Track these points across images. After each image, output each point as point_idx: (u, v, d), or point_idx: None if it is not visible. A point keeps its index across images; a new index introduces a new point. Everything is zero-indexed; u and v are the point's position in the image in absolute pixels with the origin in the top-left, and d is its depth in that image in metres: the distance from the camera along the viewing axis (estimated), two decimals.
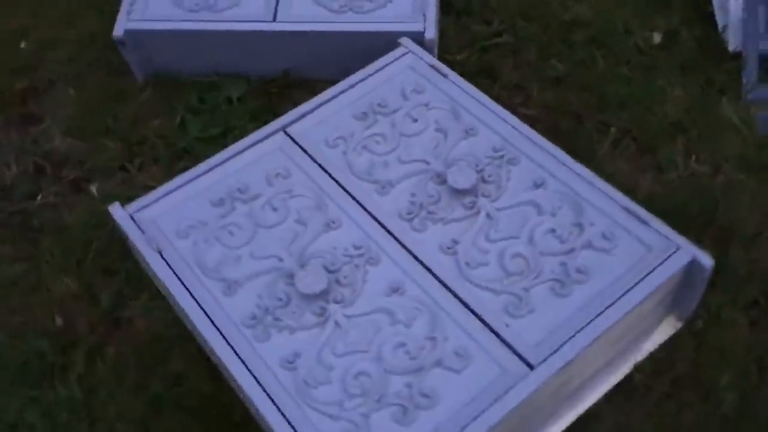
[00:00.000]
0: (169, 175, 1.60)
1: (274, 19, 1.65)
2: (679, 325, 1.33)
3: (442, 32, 1.79)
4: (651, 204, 1.43)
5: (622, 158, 1.56)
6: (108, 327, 1.37)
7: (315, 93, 1.73)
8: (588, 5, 1.81)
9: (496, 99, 1.66)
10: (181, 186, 1.36)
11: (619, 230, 1.24)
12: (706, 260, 1.19)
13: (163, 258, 1.26)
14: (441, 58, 1.75)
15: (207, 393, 1.26)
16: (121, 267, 1.45)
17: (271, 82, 1.75)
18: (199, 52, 1.72)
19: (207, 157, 1.62)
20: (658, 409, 1.23)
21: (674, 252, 1.19)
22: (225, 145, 1.63)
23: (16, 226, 1.56)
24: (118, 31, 1.67)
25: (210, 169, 1.38)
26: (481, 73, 1.72)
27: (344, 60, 1.70)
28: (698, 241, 1.37)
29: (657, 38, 1.74)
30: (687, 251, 1.19)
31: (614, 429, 1.23)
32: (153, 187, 1.58)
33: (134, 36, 1.68)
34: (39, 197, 1.61)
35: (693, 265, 1.19)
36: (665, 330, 1.33)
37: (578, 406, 1.27)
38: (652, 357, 1.28)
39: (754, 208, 1.45)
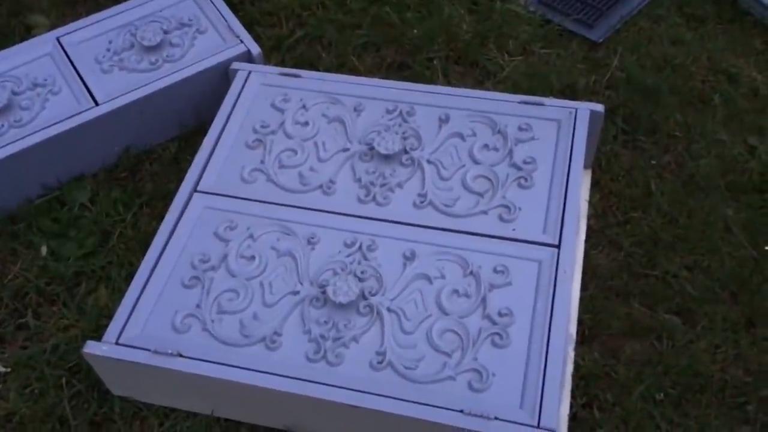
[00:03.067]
0: (79, 306, 1.43)
1: (96, 104, 1.53)
2: (590, 173, 1.59)
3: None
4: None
5: (459, 80, 1.77)
6: None
7: (168, 157, 1.66)
8: None
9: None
10: (142, 291, 1.24)
11: (528, 120, 1.44)
12: (599, 107, 1.44)
13: (188, 357, 1.16)
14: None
15: None
16: (109, 413, 1.28)
17: (115, 169, 1.62)
18: (24, 174, 1.52)
19: (106, 270, 1.48)
20: None
21: (576, 114, 1.43)
22: (114, 249, 1.51)
23: None
24: None
25: (157, 261, 1.28)
26: (302, 67, 1.78)
27: (181, 113, 1.64)
28: None
29: None
30: (584, 109, 1.43)
31: None
32: (73, 325, 1.41)
33: None
34: None
35: (593, 116, 1.44)
36: (585, 182, 1.58)
37: None
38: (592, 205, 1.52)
39: (572, 68, 1.76)
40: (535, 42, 1.83)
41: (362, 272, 1.24)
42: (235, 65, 1.59)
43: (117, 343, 1.18)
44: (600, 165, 1.58)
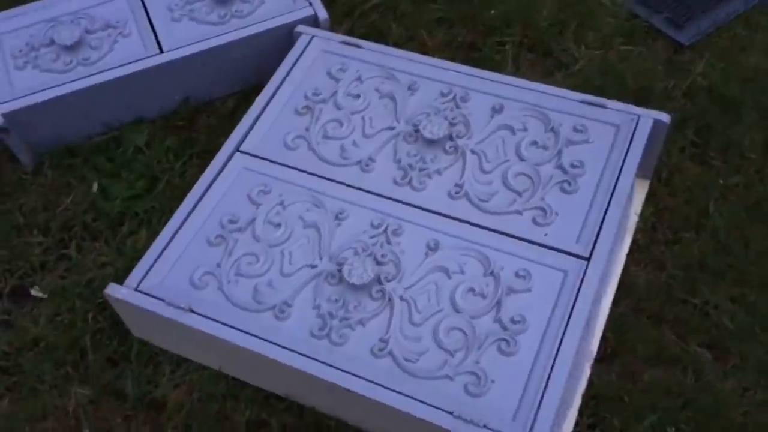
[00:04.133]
0: (116, 245, 1.49)
1: (161, 51, 1.57)
2: (646, 184, 1.50)
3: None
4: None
5: (527, 68, 1.70)
6: (146, 415, 1.27)
7: (225, 111, 1.69)
8: None
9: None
10: (169, 242, 1.27)
11: (586, 121, 1.37)
12: (665, 116, 1.35)
13: (198, 313, 1.18)
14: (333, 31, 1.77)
15: (295, 425, 1.22)
16: (126, 352, 1.33)
17: (173, 116, 1.66)
18: (86, 111, 1.58)
19: (149, 214, 1.53)
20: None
21: (638, 121, 1.35)
22: (159, 195, 1.55)
23: None
24: None
25: (188, 215, 1.31)
26: (371, 37, 1.75)
27: (242, 70, 1.66)
28: None
29: None
30: (647, 117, 1.35)
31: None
32: (105, 264, 1.47)
33: (14, 117, 1.51)
34: None
35: (656, 126, 1.35)
36: (640, 193, 1.49)
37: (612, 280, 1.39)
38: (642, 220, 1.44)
39: (652, 69, 1.66)
40: (617, 36, 1.73)
41: (382, 256, 1.23)
42: (300, 28, 1.58)
43: (136, 289, 1.22)
44: (660, 177, 1.49)
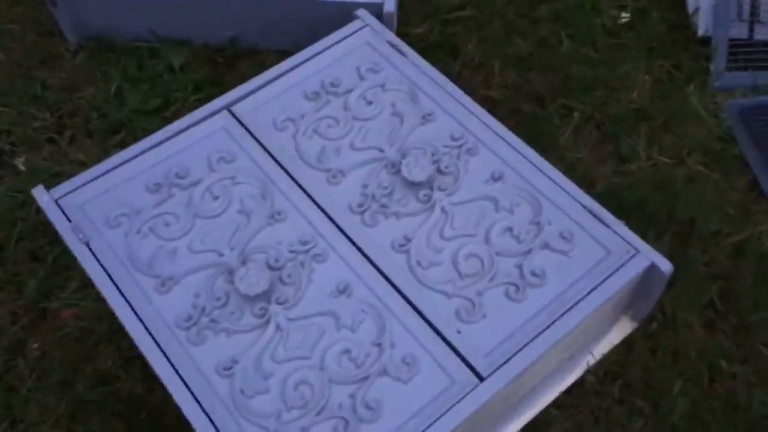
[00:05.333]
0: (103, 150, 1.50)
1: None
2: (634, 326, 1.30)
3: (401, 2, 1.68)
4: (611, 196, 1.40)
5: (584, 145, 1.50)
6: (32, 319, 1.27)
7: (264, 64, 1.63)
8: None
9: (457, 77, 1.59)
10: (113, 168, 1.25)
11: (578, 230, 1.18)
12: (665, 265, 1.14)
13: (91, 250, 1.16)
14: (399, 31, 1.65)
15: (137, 394, 1.18)
16: (49, 252, 1.34)
17: (217, 51, 1.63)
18: (138, 13, 1.58)
19: (145, 131, 1.52)
20: (608, 415, 1.20)
21: (633, 256, 1.15)
22: (166, 119, 1.54)
23: None
24: None
25: (146, 150, 1.27)
26: (442, 49, 1.63)
27: (296, 30, 1.59)
28: (657, 237, 1.34)
29: (625, 17, 1.67)
30: (646, 255, 1.14)
31: None
32: (84, 163, 1.48)
33: None
34: None
35: (652, 270, 1.15)
36: (620, 332, 1.29)
37: (527, 411, 1.23)
38: (604, 360, 1.24)
39: (715, 204, 1.41)
40: (697, 152, 1.48)
41: (288, 276, 1.13)
42: (359, 12, 1.47)
43: (56, 201, 1.21)
44: (650, 326, 1.28)
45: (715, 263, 1.32)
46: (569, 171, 1.46)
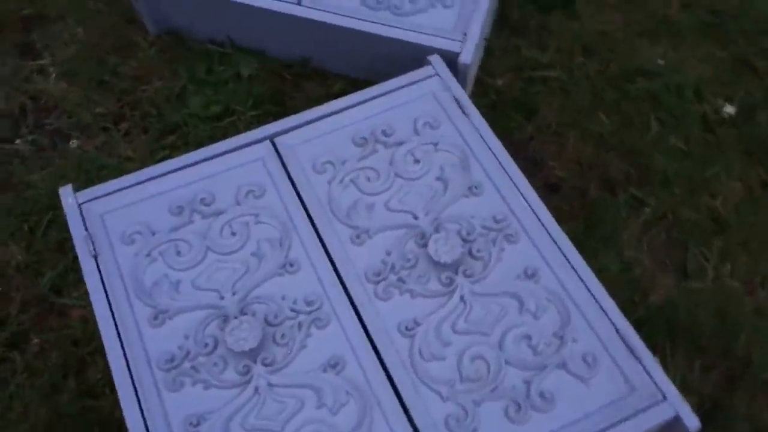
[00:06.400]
0: (152, 150, 1.48)
1: (299, 3, 1.47)
2: None
3: (488, 49, 1.58)
4: (663, 312, 1.26)
5: (648, 247, 1.36)
6: (40, 311, 1.28)
7: (330, 89, 1.57)
8: (661, 51, 1.56)
9: (527, 141, 1.48)
10: (141, 182, 1.22)
11: (603, 356, 1.06)
12: (692, 421, 1.00)
13: (98, 265, 1.14)
14: (480, 79, 1.55)
15: (116, 417, 1.16)
16: (73, 247, 1.34)
17: (286, 66, 1.58)
18: (217, 17, 1.55)
19: (198, 137, 1.50)
20: None
21: (659, 402, 1.01)
22: (219, 129, 1.51)
23: None
24: None
25: (179, 169, 1.24)
26: (519, 107, 1.51)
27: (368, 61, 1.51)
28: (704, 371, 1.19)
29: (729, 110, 1.49)
30: (673, 405, 1.01)
31: None
32: (131, 159, 1.48)
33: None
34: (17, 141, 1.51)
35: (675, 423, 1.01)
36: None
37: None
38: None
39: None
40: None
41: (282, 336, 1.08)
42: (432, 58, 1.38)
43: (79, 205, 1.20)
44: None
45: (760, 420, 1.16)
46: (623, 272, 1.33)
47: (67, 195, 1.21)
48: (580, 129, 1.48)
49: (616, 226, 1.38)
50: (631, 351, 1.05)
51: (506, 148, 1.45)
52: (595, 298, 1.10)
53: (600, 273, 1.33)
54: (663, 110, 1.48)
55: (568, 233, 1.35)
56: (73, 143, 1.51)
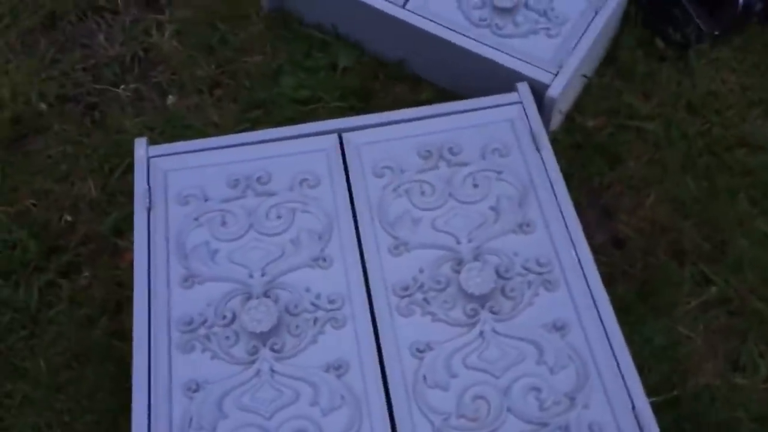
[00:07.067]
0: (238, 120, 1.54)
1: (404, 6, 1.47)
2: None
3: (587, 87, 1.52)
4: (697, 402, 1.18)
5: (703, 328, 1.27)
6: (98, 248, 1.36)
7: (419, 96, 1.56)
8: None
9: (603, 190, 1.42)
10: (209, 148, 1.28)
11: (611, 431, 1.00)
12: None
13: (149, 219, 1.20)
14: (571, 117, 1.50)
15: None
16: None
17: (382, 66, 1.59)
18: (325, 5, 1.58)
19: (281, 116, 1.54)
20: None
21: None
22: (301, 113, 1.54)
23: (84, 106, 1.57)
24: None
25: (248, 143, 1.28)
26: (604, 153, 1.45)
27: (460, 75, 1.50)
28: None
29: None
30: None
31: None
32: (216, 125, 1.54)
33: None
34: (121, 87, 1.61)
35: None
36: None
37: None
38: None
39: None
40: None
41: (296, 326, 1.09)
42: (520, 86, 1.34)
43: (148, 158, 1.26)
44: None
45: None
46: (669, 348, 1.25)
47: (140, 146, 1.27)
48: (662, 189, 1.40)
49: (673, 300, 1.30)
50: None
51: (581, 192, 1.41)
52: (620, 369, 1.05)
53: (644, 342, 1.26)
54: (758, 189, 1.38)
55: (621, 294, 1.30)
56: (170, 99, 1.59)
